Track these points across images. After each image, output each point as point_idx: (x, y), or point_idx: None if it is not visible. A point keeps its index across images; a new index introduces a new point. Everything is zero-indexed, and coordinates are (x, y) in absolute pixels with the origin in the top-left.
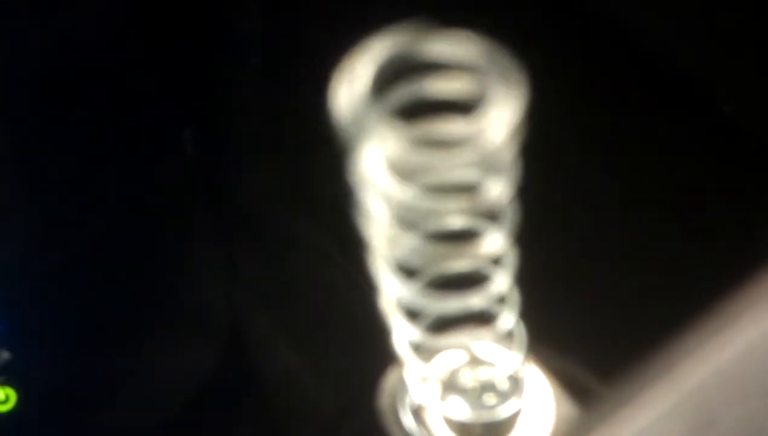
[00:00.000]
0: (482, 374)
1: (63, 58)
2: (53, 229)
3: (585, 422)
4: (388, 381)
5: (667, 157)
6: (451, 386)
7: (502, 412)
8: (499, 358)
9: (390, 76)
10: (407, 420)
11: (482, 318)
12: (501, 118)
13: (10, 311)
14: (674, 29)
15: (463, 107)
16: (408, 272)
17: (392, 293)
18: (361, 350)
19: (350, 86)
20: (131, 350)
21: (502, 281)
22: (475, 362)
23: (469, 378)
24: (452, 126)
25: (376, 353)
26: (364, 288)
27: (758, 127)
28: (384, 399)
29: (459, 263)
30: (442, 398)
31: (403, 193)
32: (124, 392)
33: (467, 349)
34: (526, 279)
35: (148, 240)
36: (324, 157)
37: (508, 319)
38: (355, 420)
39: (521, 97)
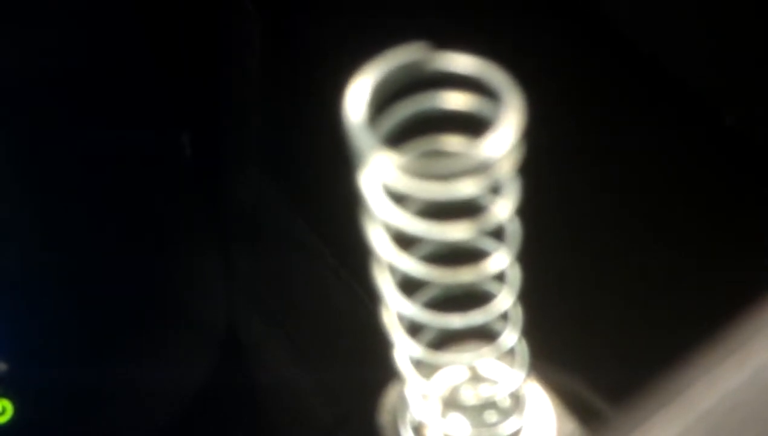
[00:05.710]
0: (483, 392)
1: (62, 62)
2: (50, 239)
3: None
4: (389, 397)
5: (673, 172)
6: (452, 403)
7: (504, 430)
8: (501, 375)
9: (390, 97)
10: None
11: (484, 335)
12: (503, 137)
13: (7, 322)
14: (677, 42)
15: (463, 127)
16: (410, 287)
17: (394, 307)
18: (361, 361)
19: (350, 108)
20: (128, 358)
21: (504, 298)
22: (476, 379)
23: (470, 395)
24: (453, 145)
25: (376, 365)
26: (364, 299)
27: (761, 139)
28: (384, 415)
29: (462, 280)
30: (443, 415)
31: (402, 217)
32: (122, 401)
33: (469, 366)
34: (529, 296)
35: (146, 247)
36: (324, 163)
37: (511, 336)
38: (353, 433)
39: (522, 116)
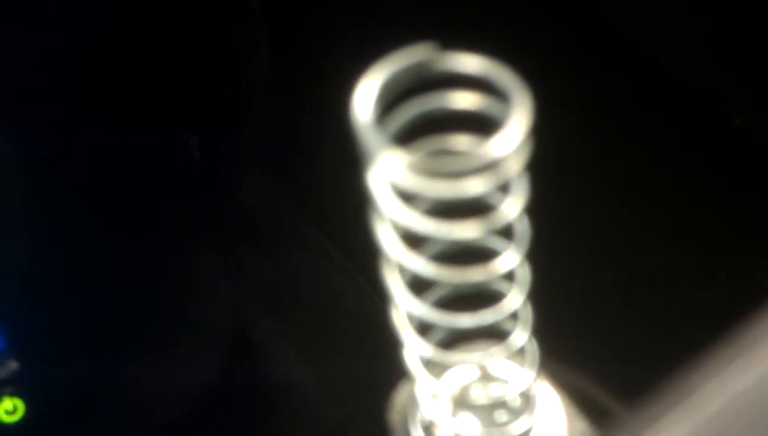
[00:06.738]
0: (494, 391)
1: (69, 66)
2: (59, 239)
3: None
4: (399, 397)
5: (673, 172)
6: (462, 402)
7: (514, 429)
8: (511, 374)
9: (398, 97)
10: None
11: (494, 334)
12: (511, 136)
13: (18, 321)
14: (677, 42)
15: (471, 126)
16: (419, 286)
17: (403, 307)
18: (368, 359)
19: (358, 108)
20: (137, 357)
21: (514, 297)
22: (486, 378)
23: (480, 395)
24: (461, 144)
25: (383, 364)
26: (373, 298)
27: (761, 139)
28: (394, 415)
29: (471, 280)
30: (453, 414)
31: (411, 216)
32: (128, 401)
33: (479, 365)
34: (539, 295)
35: (153, 247)
36: (332, 164)
37: (521, 335)
38: (360, 433)
39: (530, 114)
